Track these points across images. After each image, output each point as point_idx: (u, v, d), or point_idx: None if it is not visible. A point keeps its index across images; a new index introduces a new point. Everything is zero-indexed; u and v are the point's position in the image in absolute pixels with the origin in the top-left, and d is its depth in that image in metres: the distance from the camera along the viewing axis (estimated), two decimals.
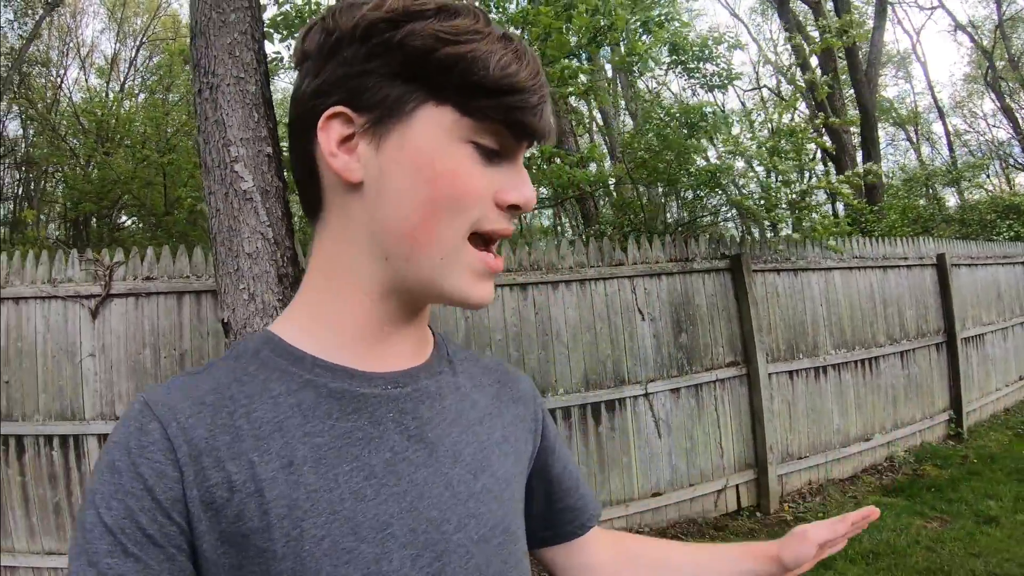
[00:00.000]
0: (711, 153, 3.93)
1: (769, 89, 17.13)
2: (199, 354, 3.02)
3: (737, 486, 3.79)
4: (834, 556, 3.30)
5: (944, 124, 16.22)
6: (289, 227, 2.09)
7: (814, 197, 3.83)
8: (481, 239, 0.47)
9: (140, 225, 9.41)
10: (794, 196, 3.57)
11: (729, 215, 3.71)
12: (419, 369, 0.51)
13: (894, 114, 17.25)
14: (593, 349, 3.46)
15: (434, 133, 0.44)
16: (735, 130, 3.97)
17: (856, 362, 4.42)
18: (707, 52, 3.77)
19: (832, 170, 11.62)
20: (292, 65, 0.48)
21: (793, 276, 4.12)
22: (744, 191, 3.47)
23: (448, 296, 0.47)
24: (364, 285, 0.47)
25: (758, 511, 3.81)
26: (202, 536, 0.40)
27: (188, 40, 2.25)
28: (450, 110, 0.44)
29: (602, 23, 4.13)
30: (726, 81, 3.75)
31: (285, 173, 2.17)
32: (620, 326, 3.52)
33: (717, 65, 3.75)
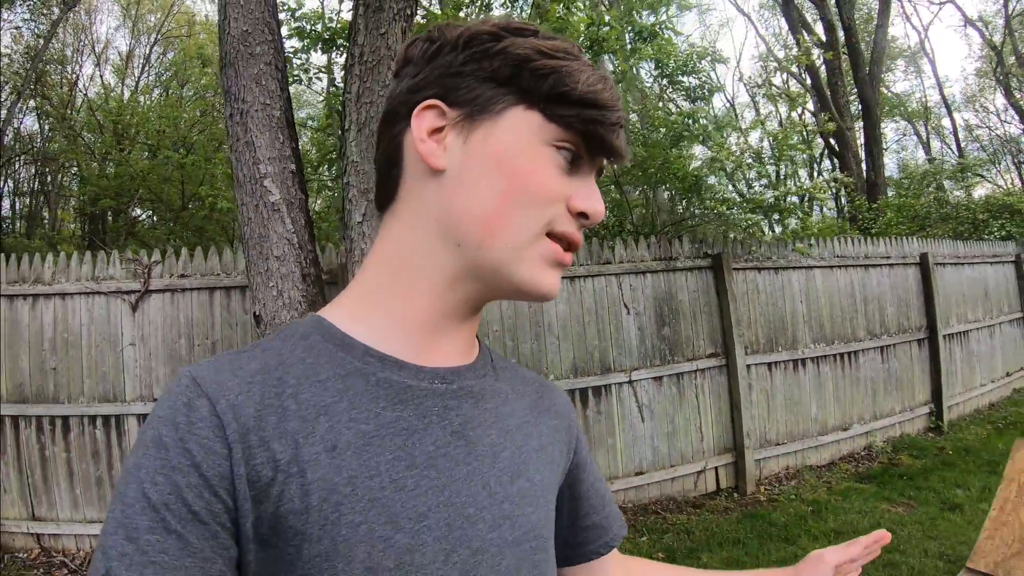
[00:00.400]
0: (699, 156, 4.18)
1: (776, 87, 17.22)
2: (229, 343, 3.37)
3: (716, 468, 4.09)
4: (798, 534, 3.61)
5: (952, 120, 16.20)
6: (311, 233, 2.41)
7: (798, 198, 4.06)
8: (556, 241, 0.49)
9: (156, 219, 9.72)
10: (771, 200, 3.83)
11: (709, 218, 3.97)
12: (465, 368, 0.52)
13: (901, 110, 17.25)
14: (581, 340, 3.78)
15: (520, 133, 0.47)
16: (723, 135, 4.23)
17: (835, 356, 4.67)
18: (690, 66, 4.03)
19: (838, 166, 11.77)
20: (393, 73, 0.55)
21: (774, 274, 4.39)
22: (720, 197, 3.70)
23: (517, 284, 0.48)
24: (431, 274, 0.49)
25: (736, 492, 4.10)
26: (245, 515, 0.41)
27: (205, 33, 2.54)
28: (537, 115, 0.47)
29: (599, 33, 4.39)
30: (707, 93, 4.01)
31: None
32: (607, 319, 3.83)
33: (699, 78, 4.01)
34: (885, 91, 16.75)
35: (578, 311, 3.78)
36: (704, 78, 4.00)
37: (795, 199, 4.05)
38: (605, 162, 0.52)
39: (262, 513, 0.41)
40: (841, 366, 4.71)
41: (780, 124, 18.04)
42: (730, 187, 3.78)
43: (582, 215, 0.49)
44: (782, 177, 17.56)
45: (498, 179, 0.46)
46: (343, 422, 0.44)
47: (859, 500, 3.88)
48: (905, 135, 19.52)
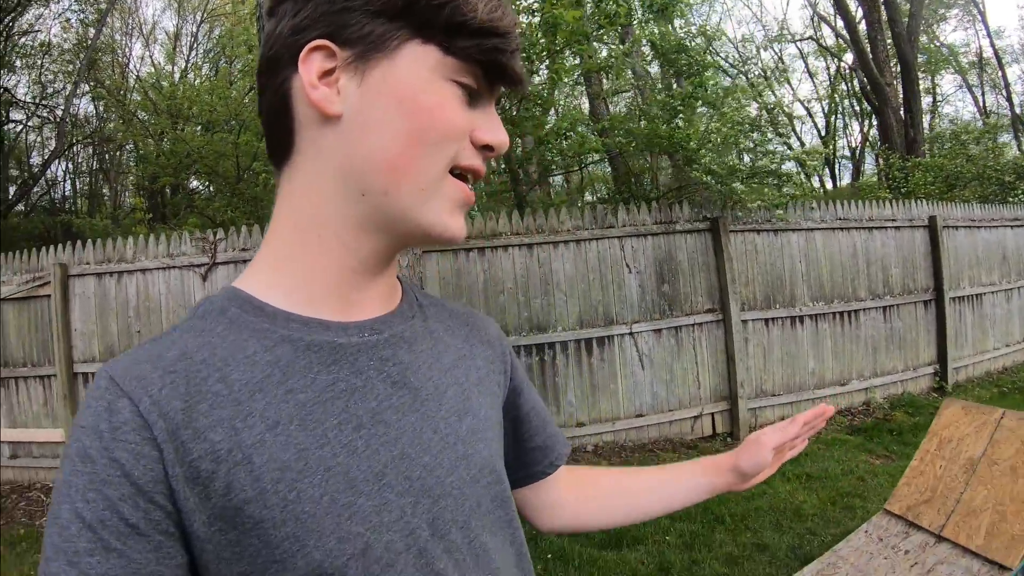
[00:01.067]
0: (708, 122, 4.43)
1: (815, 40, 16.66)
2: None
3: (712, 415, 4.49)
4: (773, 476, 3.86)
5: (1003, 73, 15.38)
6: None
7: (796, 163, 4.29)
8: (457, 176, 0.47)
9: (213, 190, 10.45)
10: (768, 167, 4.08)
11: (697, 187, 4.23)
12: (392, 316, 0.51)
13: (953, 63, 16.44)
14: (587, 296, 4.21)
15: (418, 70, 0.44)
16: (726, 105, 4.46)
17: (835, 314, 4.92)
18: (683, 46, 4.23)
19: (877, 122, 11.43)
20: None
21: (773, 236, 4.65)
22: (708, 167, 3.94)
23: (426, 229, 0.46)
24: (337, 228, 0.46)
25: (730, 437, 4.50)
26: (191, 515, 0.39)
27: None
28: (434, 49, 0.44)
29: (610, 9, 4.63)
30: (699, 70, 4.21)
31: None
32: (610, 277, 4.24)
33: (691, 57, 4.21)
34: (934, 45, 15.96)
35: (583, 270, 4.20)
36: (695, 56, 4.21)
37: (793, 165, 4.24)
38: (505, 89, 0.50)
39: (212, 509, 0.39)
40: (840, 324, 4.96)
41: (829, 79, 17.64)
42: (725, 156, 3.98)
43: (487, 148, 0.48)
44: (833, 130, 17.29)
45: (401, 120, 0.44)
46: (280, 395, 0.42)
47: (841, 450, 4.03)
48: (960, 88, 18.60)
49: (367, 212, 0.46)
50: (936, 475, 2.38)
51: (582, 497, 0.70)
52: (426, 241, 0.48)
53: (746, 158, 4.09)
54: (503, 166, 5.66)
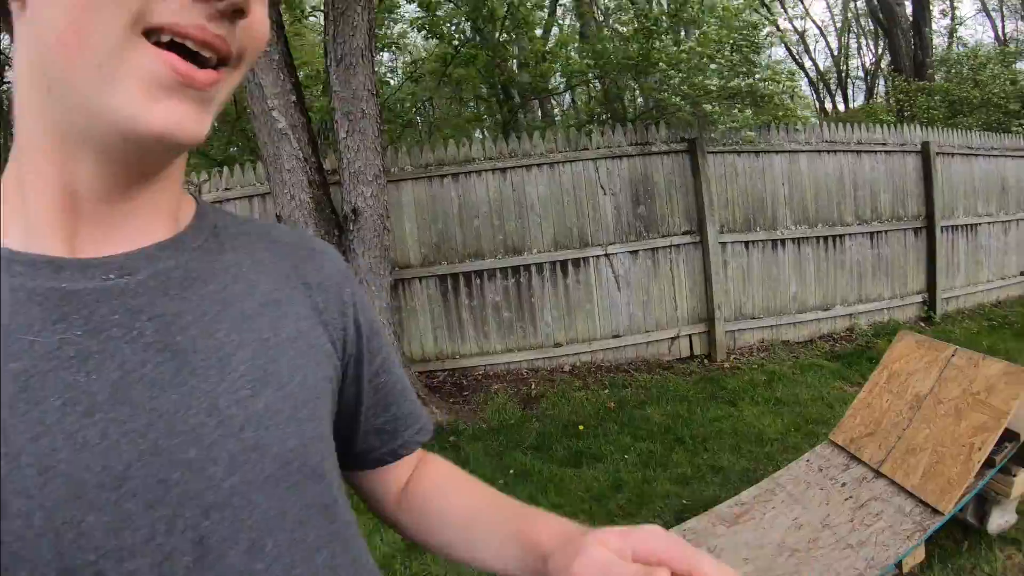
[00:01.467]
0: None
1: None
2: None
3: (690, 336, 4.55)
4: (742, 397, 3.91)
5: None
6: (315, 147, 3.07)
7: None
8: (172, 47, 0.34)
9: (216, 126, 10.63)
10: (742, 86, 3.99)
11: (667, 108, 4.16)
12: (160, 247, 0.39)
13: None
14: (561, 218, 4.24)
15: None
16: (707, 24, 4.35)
17: (818, 238, 4.89)
18: None
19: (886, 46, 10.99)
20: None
21: (754, 157, 4.59)
22: (684, 87, 3.86)
23: (115, 123, 0.33)
24: (43, 143, 0.36)
25: (707, 359, 4.56)
26: None
27: None
28: None
29: None
30: None
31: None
32: (584, 200, 4.25)
33: None
34: None
35: (557, 192, 4.22)
36: None
37: (774, 85, 4.15)
38: None
39: None
40: (824, 248, 4.93)
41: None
42: (696, 77, 3.90)
43: None
44: (845, 50, 16.75)
45: None
46: None
47: (816, 376, 4.02)
48: (980, 12, 17.76)
49: (60, 115, 0.35)
50: (882, 409, 2.33)
51: (409, 502, 0.56)
52: (129, 143, 0.34)
53: (736, 77, 3.97)
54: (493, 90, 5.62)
